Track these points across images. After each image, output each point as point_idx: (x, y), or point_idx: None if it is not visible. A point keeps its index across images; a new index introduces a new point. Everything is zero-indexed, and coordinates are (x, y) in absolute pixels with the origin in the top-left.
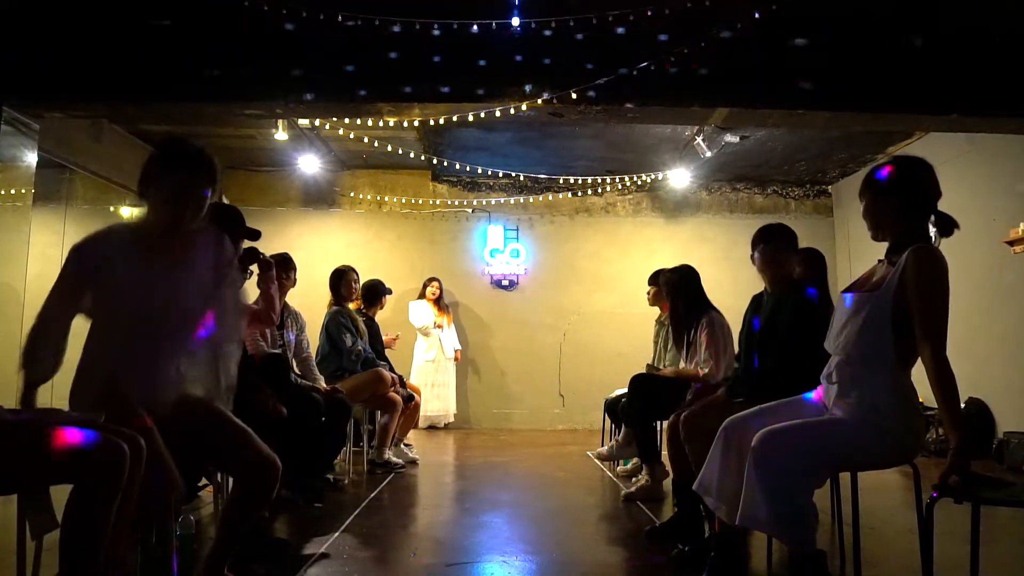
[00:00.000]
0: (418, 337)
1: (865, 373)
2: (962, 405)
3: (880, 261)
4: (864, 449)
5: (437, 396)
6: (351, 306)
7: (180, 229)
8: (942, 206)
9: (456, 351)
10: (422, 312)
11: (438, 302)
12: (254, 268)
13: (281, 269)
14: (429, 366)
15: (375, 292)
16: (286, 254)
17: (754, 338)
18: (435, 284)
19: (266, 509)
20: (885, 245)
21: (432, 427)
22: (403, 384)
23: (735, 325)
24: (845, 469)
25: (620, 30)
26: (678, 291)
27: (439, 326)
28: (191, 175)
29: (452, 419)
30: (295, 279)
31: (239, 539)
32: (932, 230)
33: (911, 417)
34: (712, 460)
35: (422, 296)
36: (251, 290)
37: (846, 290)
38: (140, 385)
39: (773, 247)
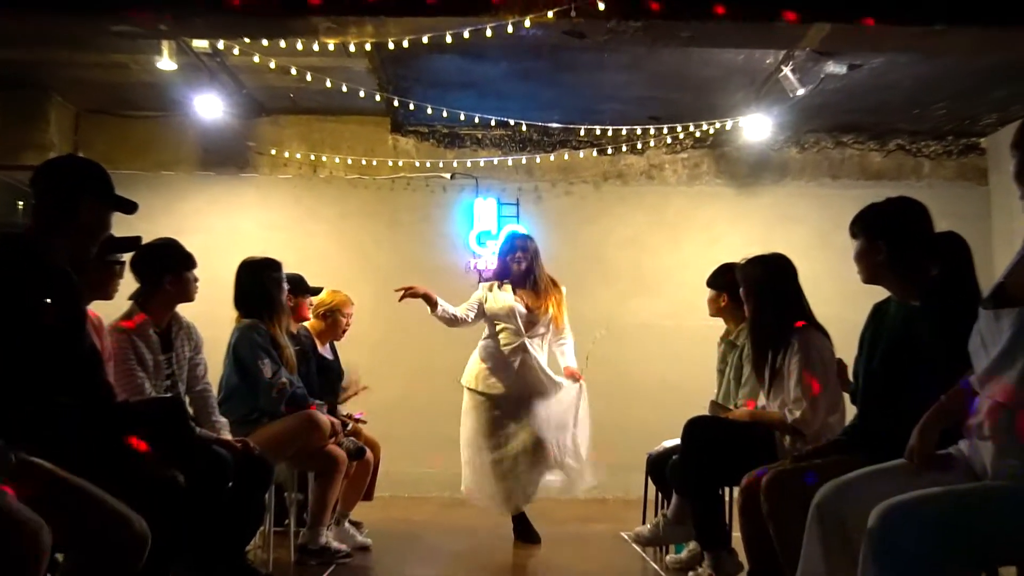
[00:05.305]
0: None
1: None
2: None
3: None
4: None
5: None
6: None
7: None
8: None
9: (570, 369)
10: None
11: (526, 278)
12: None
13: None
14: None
15: (297, 291)
16: (177, 244)
17: (875, 370)
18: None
19: None
20: None
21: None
22: (346, 429)
23: (844, 346)
24: (1008, 561)
25: None
26: (764, 293)
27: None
28: None
29: (581, 487)
30: (195, 285)
31: None
32: None
33: None
34: (811, 550)
35: None
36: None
37: (994, 303)
38: None
39: (887, 244)
